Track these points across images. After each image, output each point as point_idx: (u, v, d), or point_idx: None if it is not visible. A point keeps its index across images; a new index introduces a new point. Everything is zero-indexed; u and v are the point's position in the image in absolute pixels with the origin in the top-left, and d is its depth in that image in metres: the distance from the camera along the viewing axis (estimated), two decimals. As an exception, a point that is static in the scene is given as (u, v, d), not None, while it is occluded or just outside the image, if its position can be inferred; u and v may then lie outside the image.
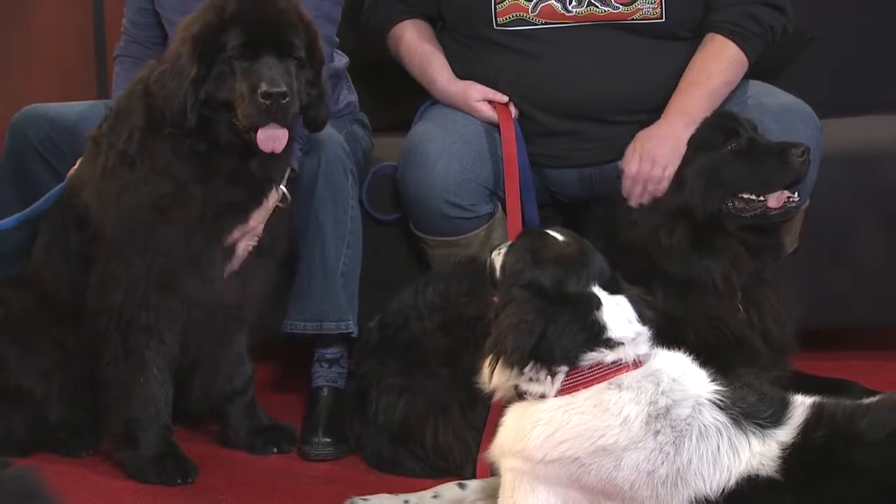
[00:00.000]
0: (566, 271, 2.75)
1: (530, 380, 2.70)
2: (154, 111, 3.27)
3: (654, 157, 3.52)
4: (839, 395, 2.86)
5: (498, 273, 2.87)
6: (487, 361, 2.76)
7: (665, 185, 3.51)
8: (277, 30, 3.20)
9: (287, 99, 3.15)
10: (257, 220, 3.38)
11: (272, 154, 3.22)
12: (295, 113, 3.23)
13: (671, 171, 3.51)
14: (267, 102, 3.14)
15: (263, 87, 3.13)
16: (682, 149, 3.54)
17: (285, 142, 3.23)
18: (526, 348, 2.68)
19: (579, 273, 2.76)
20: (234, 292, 3.42)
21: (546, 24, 3.73)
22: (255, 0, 3.21)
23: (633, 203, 3.54)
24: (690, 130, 3.56)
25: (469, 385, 2.93)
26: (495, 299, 2.89)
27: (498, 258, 2.89)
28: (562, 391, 2.68)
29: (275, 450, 3.58)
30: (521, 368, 2.69)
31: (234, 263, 3.40)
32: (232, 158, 3.29)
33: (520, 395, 2.75)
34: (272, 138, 3.19)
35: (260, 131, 3.19)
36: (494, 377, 2.76)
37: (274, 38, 3.19)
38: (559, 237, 2.84)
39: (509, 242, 2.93)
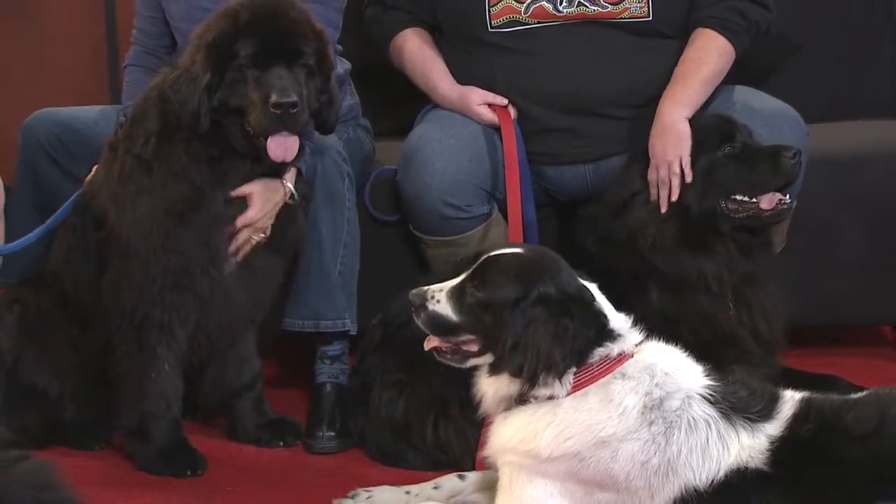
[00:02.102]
0: (556, 275, 2.74)
1: (539, 385, 2.68)
2: (169, 116, 3.31)
3: (667, 159, 3.54)
4: (827, 391, 2.91)
5: (452, 317, 2.77)
6: (523, 383, 2.69)
7: (687, 174, 3.53)
8: (289, 39, 3.23)
9: (297, 109, 3.19)
10: (257, 208, 3.37)
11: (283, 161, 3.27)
12: (305, 120, 3.26)
13: (685, 159, 3.54)
14: (278, 112, 3.17)
15: (274, 98, 3.17)
16: (685, 136, 3.57)
17: (296, 150, 3.27)
18: (570, 355, 2.68)
19: (566, 271, 2.77)
20: (245, 291, 3.46)
21: (538, 23, 3.78)
22: (267, 10, 3.24)
23: (663, 208, 3.55)
24: (687, 116, 3.61)
25: (468, 382, 2.91)
26: (437, 343, 2.82)
27: (440, 305, 2.78)
28: (572, 389, 2.69)
29: (281, 443, 3.61)
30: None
31: (238, 255, 3.40)
32: (245, 161, 3.33)
33: (522, 401, 2.74)
34: (283, 146, 3.24)
35: (270, 139, 3.23)
36: (501, 392, 2.74)
37: (285, 48, 3.22)
38: (518, 250, 2.81)
39: (436, 287, 2.80)
